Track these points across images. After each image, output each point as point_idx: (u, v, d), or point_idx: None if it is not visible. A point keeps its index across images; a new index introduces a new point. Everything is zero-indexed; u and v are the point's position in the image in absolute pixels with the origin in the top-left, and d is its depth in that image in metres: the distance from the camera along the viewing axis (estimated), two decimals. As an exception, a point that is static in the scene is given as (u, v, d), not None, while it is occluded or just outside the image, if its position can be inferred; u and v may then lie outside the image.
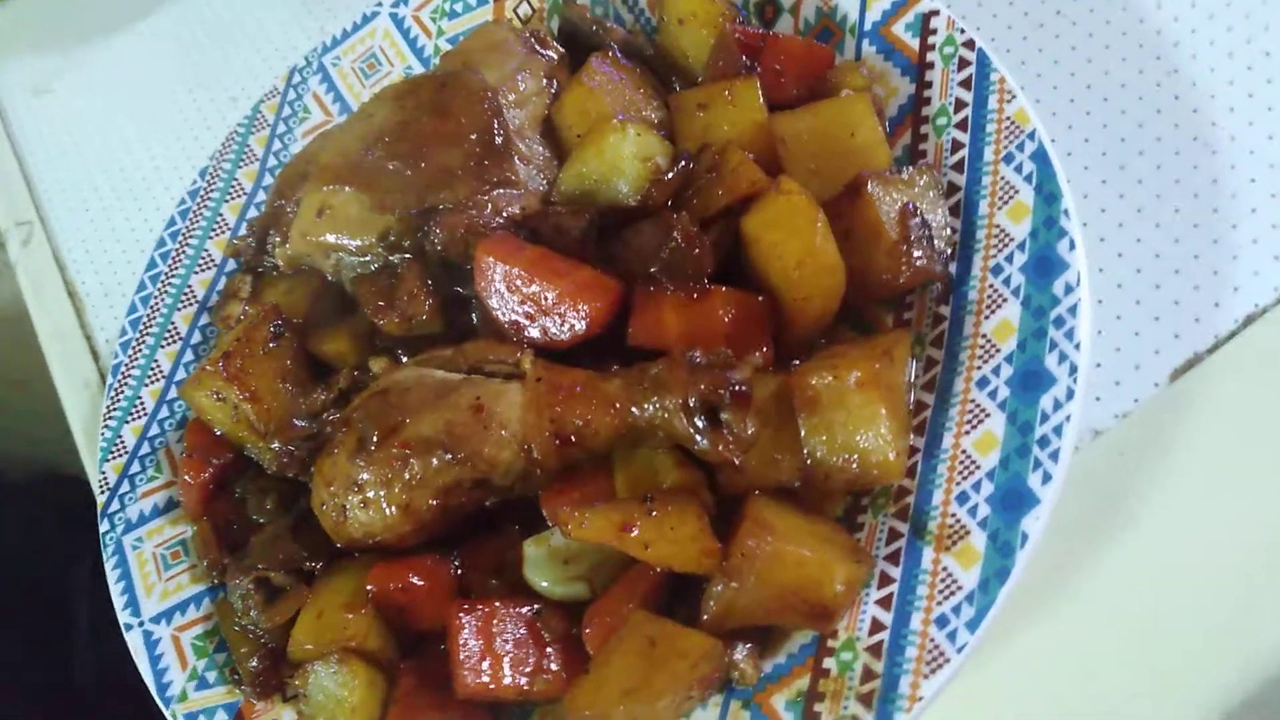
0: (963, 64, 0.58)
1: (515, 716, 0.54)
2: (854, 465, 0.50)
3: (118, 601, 0.62)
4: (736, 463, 0.49)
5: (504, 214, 0.59)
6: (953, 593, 0.47)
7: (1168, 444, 0.54)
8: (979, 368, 0.51)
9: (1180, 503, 0.53)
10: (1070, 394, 0.48)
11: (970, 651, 0.45)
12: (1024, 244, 0.53)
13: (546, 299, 0.55)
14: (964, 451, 0.50)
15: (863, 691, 0.46)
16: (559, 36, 0.71)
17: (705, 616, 0.49)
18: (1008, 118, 0.56)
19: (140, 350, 0.72)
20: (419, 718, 0.53)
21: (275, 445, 0.58)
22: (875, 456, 0.50)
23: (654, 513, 0.49)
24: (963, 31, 0.58)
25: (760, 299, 0.54)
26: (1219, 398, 0.54)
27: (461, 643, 0.51)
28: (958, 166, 0.57)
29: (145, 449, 0.68)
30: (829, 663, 0.48)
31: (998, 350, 0.51)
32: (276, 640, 0.57)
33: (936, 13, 0.59)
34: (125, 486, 0.67)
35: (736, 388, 0.49)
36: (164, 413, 0.69)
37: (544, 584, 0.53)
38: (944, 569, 0.48)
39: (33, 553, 1.09)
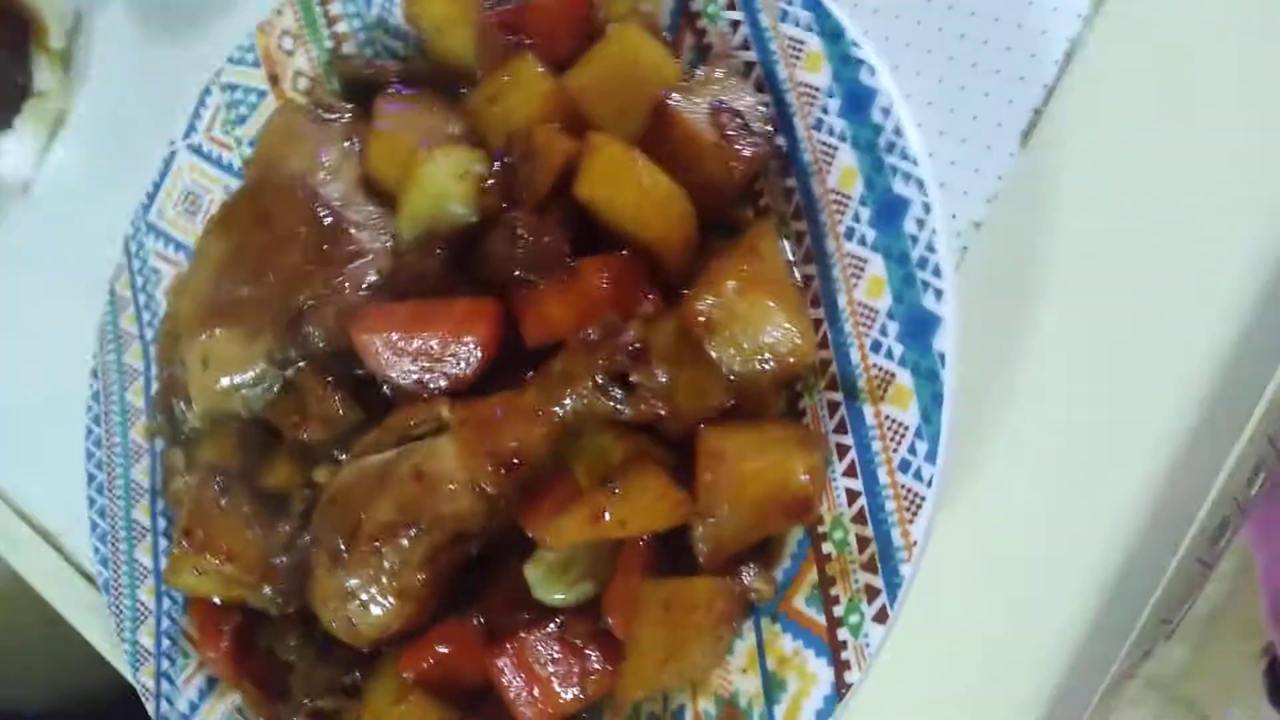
0: (705, -52, 0.58)
1: (590, 718, 0.56)
2: (771, 362, 0.51)
3: (204, 786, 0.64)
4: (664, 413, 0.51)
5: (365, 285, 0.60)
6: (903, 436, 0.48)
7: (1048, 204, 0.55)
8: (840, 221, 0.52)
9: (1087, 244, 0.54)
10: (927, 208, 0.49)
11: (940, 481, 0.47)
12: (830, 89, 0.53)
13: (434, 347, 0.55)
14: (859, 304, 0.51)
15: (864, 560, 0.48)
16: (343, 93, 0.71)
17: (701, 559, 0.50)
18: (766, -21, 0.56)
19: (119, 559, 0.73)
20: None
21: (266, 590, 0.60)
22: (785, 345, 0.51)
23: (617, 491, 0.51)
24: (692, -83, 0.58)
25: (625, 253, 0.55)
26: (1074, 140, 0.55)
27: (507, 684, 0.53)
28: (744, 45, 0.57)
29: (165, 644, 0.70)
30: (826, 548, 0.50)
31: (849, 198, 0.52)
32: (351, 760, 0.59)
33: (661, -89, 0.59)
34: (165, 685, 0.69)
35: (631, 346, 0.50)
36: (166, 604, 0.71)
37: (557, 597, 0.54)
38: (887, 418, 0.49)
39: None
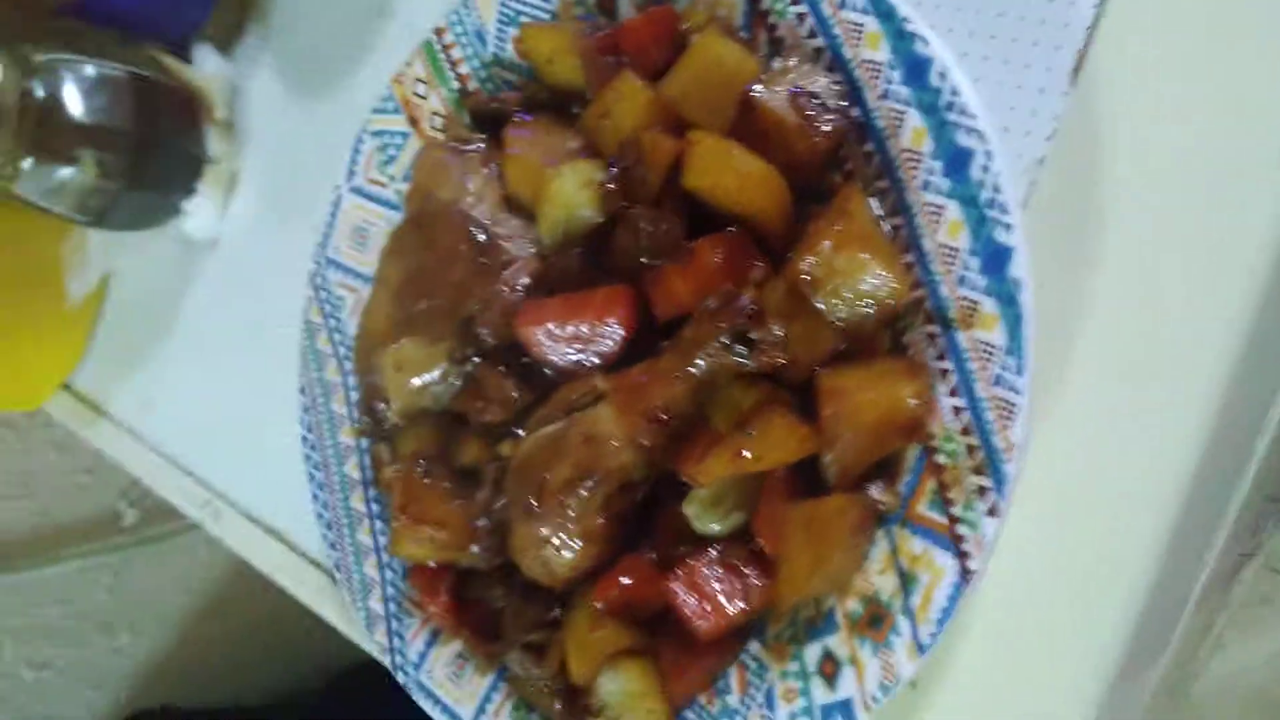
0: (768, -48, 0.66)
1: (755, 629, 0.66)
2: (871, 306, 0.60)
3: None
4: (784, 361, 0.60)
5: (519, 287, 0.71)
6: (992, 355, 0.56)
7: (1105, 137, 0.61)
8: (915, 175, 0.60)
9: (1150, 165, 0.59)
10: (989, 155, 0.56)
11: (1029, 389, 0.54)
12: (892, 63, 0.61)
13: (584, 331, 0.66)
14: (942, 245, 0.59)
15: (974, 465, 0.56)
16: (474, 126, 0.82)
17: (832, 481, 0.59)
18: (825, -28, 0.63)
19: (343, 542, 0.87)
20: (690, 673, 0.66)
21: (474, 549, 0.72)
22: (882, 290, 0.59)
23: (752, 433, 0.60)
24: (753, -71, 0.66)
25: (733, 230, 0.64)
26: (1122, 73, 0.61)
27: (683, 603, 0.63)
28: (811, 34, 0.65)
29: (393, 608, 0.84)
30: (940, 459, 0.58)
31: (921, 155, 0.59)
32: (563, 681, 0.70)
33: (726, -73, 0.67)
34: (397, 641, 0.83)
35: (747, 310, 0.59)
36: (388, 574, 0.84)
37: (714, 527, 0.64)
38: (978, 341, 0.57)
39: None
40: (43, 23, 1.09)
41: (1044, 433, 0.57)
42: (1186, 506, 0.57)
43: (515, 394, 0.71)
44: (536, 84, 0.79)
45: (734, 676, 0.65)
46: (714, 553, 0.64)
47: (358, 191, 0.91)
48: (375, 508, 0.87)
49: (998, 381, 0.55)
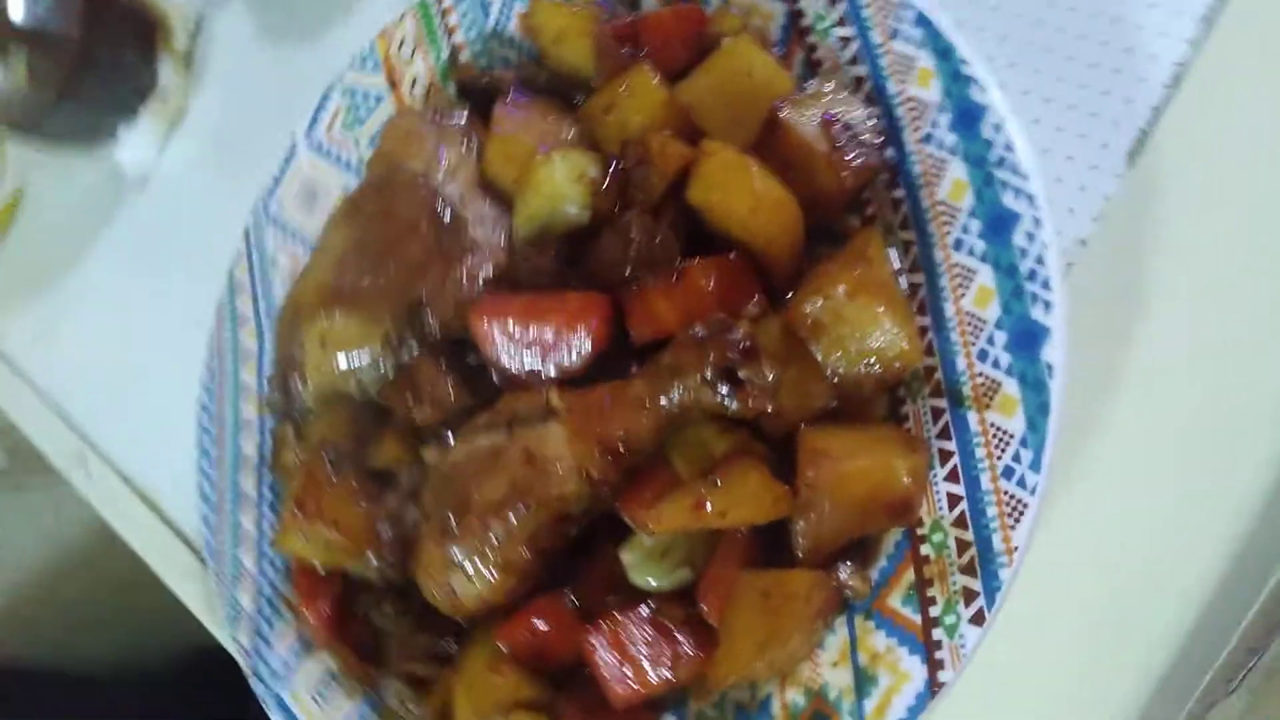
0: (821, -34, 0.60)
1: (674, 702, 0.58)
2: (876, 366, 0.53)
3: (298, 751, 0.67)
4: (770, 409, 0.52)
5: (480, 278, 0.63)
6: (1007, 444, 0.49)
7: (1152, 226, 0.56)
8: (949, 232, 0.54)
9: (1191, 273, 0.54)
10: (1038, 222, 0.51)
11: (1043, 489, 0.48)
12: (942, 104, 0.55)
13: (547, 337, 0.58)
14: (967, 313, 0.52)
15: (963, 563, 0.49)
16: (458, 98, 0.74)
17: (800, 554, 0.52)
18: (880, -3, 0.58)
19: (223, 523, 0.76)
20: (594, 742, 0.57)
21: (372, 560, 0.63)
22: (891, 350, 0.52)
23: (718, 483, 0.53)
24: (810, -62, 0.60)
25: (733, 256, 0.57)
26: (1180, 162, 0.56)
27: (601, 662, 0.55)
28: (854, 60, 0.59)
29: (264, 606, 0.73)
30: (925, 549, 0.51)
31: (958, 210, 0.54)
32: (444, 725, 0.61)
33: (780, -69, 0.61)
34: (260, 644, 0.72)
35: (741, 344, 0.52)
36: (266, 569, 0.74)
37: (651, 582, 0.56)
38: (991, 425, 0.50)
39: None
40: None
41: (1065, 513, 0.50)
42: (1218, 590, 0.50)
43: (453, 395, 0.62)
44: (536, 66, 0.72)
45: (642, 756, 0.57)
46: (646, 610, 0.55)
47: (316, 148, 0.82)
48: (267, 493, 0.77)
49: (1008, 474, 0.49)
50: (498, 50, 0.76)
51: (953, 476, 0.51)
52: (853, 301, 0.52)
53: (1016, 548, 0.48)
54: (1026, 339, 0.50)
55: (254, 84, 1.05)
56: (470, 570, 0.57)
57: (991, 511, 0.49)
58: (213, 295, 0.89)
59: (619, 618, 0.55)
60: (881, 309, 0.52)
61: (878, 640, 0.52)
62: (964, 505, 0.50)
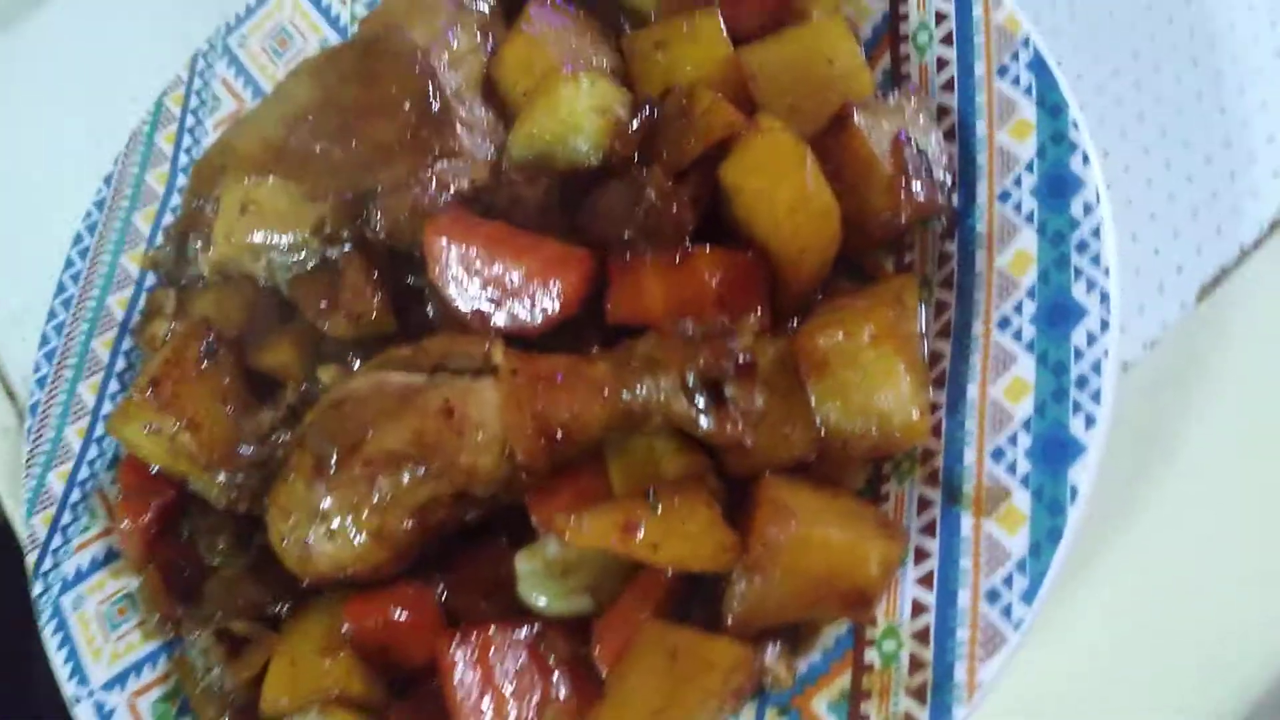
0: (941, -28, 0.52)
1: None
2: (874, 430, 0.45)
3: (61, 671, 0.55)
4: (748, 443, 0.44)
5: (451, 189, 0.53)
6: (1000, 562, 0.42)
7: (1204, 373, 0.49)
8: (998, 306, 0.46)
9: (1224, 440, 0.48)
10: (1105, 326, 0.43)
11: (1029, 626, 0.41)
12: (1031, 164, 0.47)
13: (512, 280, 0.48)
14: (993, 402, 0.45)
15: (913, 684, 0.42)
16: (490, -14, 0.64)
17: (730, 619, 0.43)
18: (997, 26, 0.50)
19: (59, 385, 0.64)
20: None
21: (221, 477, 0.52)
22: (897, 417, 0.44)
23: (659, 508, 0.44)
24: (937, -63, 0.52)
25: (749, 255, 0.49)
26: (1254, 315, 0.50)
27: (457, 680, 0.45)
28: (947, 86, 0.51)
29: (76, 495, 0.61)
30: (871, 655, 0.43)
31: (1016, 285, 0.46)
32: (246, 697, 0.50)
33: (906, -80, 0.53)
34: (57, 540, 0.60)
35: (738, 358, 0.43)
36: (93, 452, 0.62)
37: (542, 601, 0.47)
38: (987, 536, 0.43)
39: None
40: None
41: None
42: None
43: (375, 313, 0.52)
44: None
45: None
46: (527, 633, 0.46)
47: (306, -10, 0.70)
48: (122, 363, 0.64)
49: (992, 598, 0.41)
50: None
51: (925, 581, 0.43)
52: (875, 349, 0.44)
53: (981, 684, 0.40)
54: (1055, 450, 0.43)
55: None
56: (335, 524, 0.46)
57: (962, 635, 0.41)
58: (134, 117, 0.76)
59: (492, 633, 0.46)
60: (904, 366, 0.44)
61: (785, 744, 0.43)
62: (930, 618, 0.43)
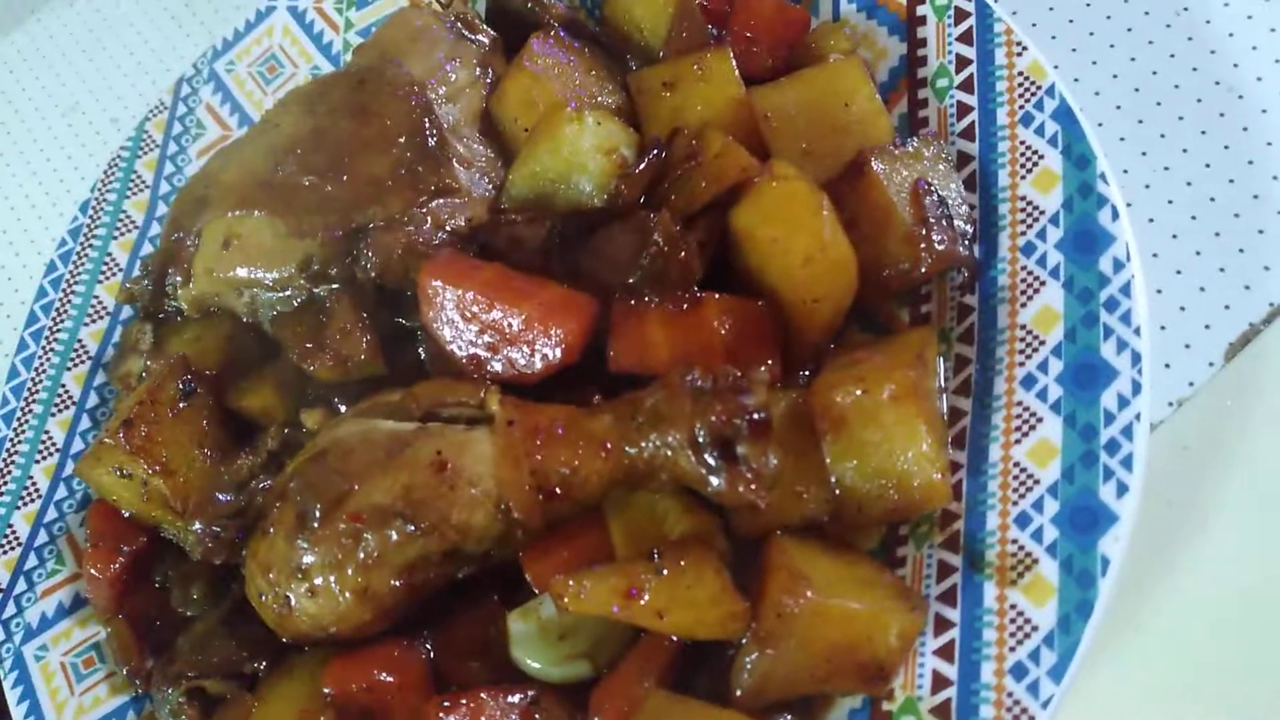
0: (960, 15, 0.51)
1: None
2: (892, 492, 0.43)
3: (20, 730, 0.52)
4: (762, 505, 0.41)
5: (447, 228, 0.50)
6: (1027, 635, 0.40)
7: (1233, 432, 0.47)
8: (1022, 364, 0.44)
9: (1254, 503, 0.46)
10: (1137, 388, 0.42)
11: (1059, 704, 0.38)
12: (1057, 217, 0.46)
13: (510, 325, 0.46)
14: (1017, 464, 0.43)
15: (934, 765, 0.39)
16: (488, 19, 0.62)
17: (739, 692, 0.41)
18: (1020, 73, 0.49)
19: (27, 420, 0.61)
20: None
21: (197, 526, 0.48)
22: (917, 479, 0.42)
23: (665, 571, 0.41)
24: (957, -21, 0.51)
25: (760, 304, 0.47)
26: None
27: (444, 750, 0.42)
28: (967, 133, 0.49)
29: (43, 538, 0.58)
30: (889, 732, 0.41)
31: (1041, 342, 0.44)
32: (216, 765, 0.47)
33: (924, -39, 0.52)
34: (21, 585, 0.57)
35: (752, 414, 0.41)
36: (61, 493, 0.59)
37: (536, 665, 0.44)
38: (1012, 607, 0.40)
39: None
40: None
41: None
42: None
43: (365, 354, 0.50)
44: (589, 14, 0.61)
45: None
46: (520, 699, 0.43)
47: (297, 16, 0.68)
48: (94, 400, 0.61)
49: (1019, 673, 0.39)
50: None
51: (945, 653, 0.41)
52: (896, 408, 0.42)
53: (1006, 769, 0.38)
54: (1085, 519, 0.40)
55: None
56: (318, 582, 0.44)
57: (986, 712, 0.39)
58: (113, 141, 0.74)
59: (483, 699, 0.43)
60: (924, 428, 0.42)
61: (794, 826, 0.41)
62: (952, 693, 0.40)
